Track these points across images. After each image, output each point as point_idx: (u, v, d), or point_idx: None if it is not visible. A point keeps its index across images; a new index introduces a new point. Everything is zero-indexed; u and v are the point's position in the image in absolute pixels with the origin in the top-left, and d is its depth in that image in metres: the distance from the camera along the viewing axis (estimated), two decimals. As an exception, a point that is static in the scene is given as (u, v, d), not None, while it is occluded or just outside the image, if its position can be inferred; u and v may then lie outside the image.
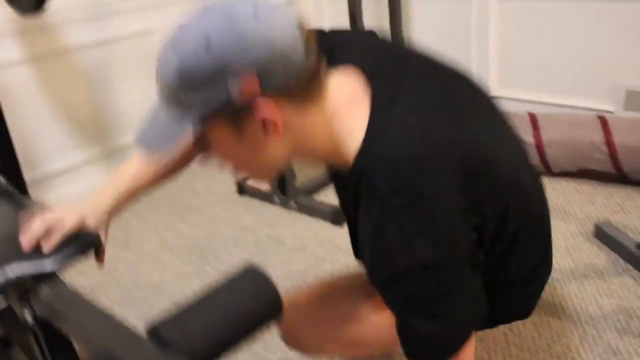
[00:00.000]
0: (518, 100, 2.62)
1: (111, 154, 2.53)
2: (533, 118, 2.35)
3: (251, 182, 2.42)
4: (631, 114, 2.34)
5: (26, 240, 0.94)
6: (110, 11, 2.38)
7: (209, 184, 2.55)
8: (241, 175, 0.92)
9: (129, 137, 2.58)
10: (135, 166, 1.09)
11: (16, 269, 0.92)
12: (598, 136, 2.20)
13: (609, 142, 2.17)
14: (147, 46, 2.54)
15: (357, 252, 1.12)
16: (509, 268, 0.97)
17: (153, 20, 2.53)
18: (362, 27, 2.57)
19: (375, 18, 2.98)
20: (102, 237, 1.02)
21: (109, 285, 1.89)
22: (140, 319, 1.72)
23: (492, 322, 1.05)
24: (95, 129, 2.46)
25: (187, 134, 0.79)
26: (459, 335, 0.86)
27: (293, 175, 2.28)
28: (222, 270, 1.91)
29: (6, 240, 0.98)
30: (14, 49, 2.15)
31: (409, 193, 0.79)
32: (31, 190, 2.15)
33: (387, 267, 0.82)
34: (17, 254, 0.94)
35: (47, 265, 0.93)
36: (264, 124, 0.79)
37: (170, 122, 0.80)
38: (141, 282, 1.90)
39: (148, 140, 0.83)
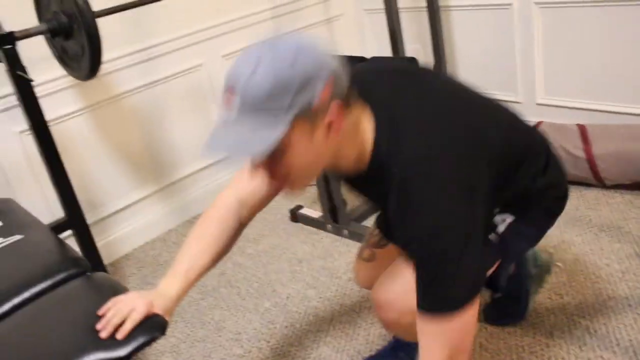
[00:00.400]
0: (566, 108, 2.58)
1: (167, 189, 2.65)
2: (583, 131, 2.32)
3: (304, 211, 2.49)
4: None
5: (105, 330, 1.04)
6: (155, 54, 2.49)
7: (263, 212, 2.63)
8: (290, 187, 1.04)
9: (183, 171, 2.69)
10: (199, 244, 1.20)
11: (92, 357, 1.01)
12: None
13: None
14: (192, 82, 2.64)
15: (387, 234, 1.45)
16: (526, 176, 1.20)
17: (195, 58, 2.63)
18: (402, 42, 2.58)
19: (416, 33, 2.99)
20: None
21: (175, 324, 2.00)
22: (206, 357, 1.82)
23: (551, 218, 1.31)
24: (151, 167, 2.58)
25: (277, 137, 0.90)
26: (468, 291, 1.01)
27: (344, 202, 2.33)
28: (279, 305, 1.99)
29: (83, 326, 1.08)
30: (70, 102, 2.28)
31: (421, 168, 0.98)
32: (94, 230, 2.28)
33: (413, 228, 0.99)
34: (93, 341, 1.04)
35: (120, 352, 1.02)
36: (329, 126, 0.95)
37: (257, 129, 0.90)
38: (205, 319, 2.00)
39: (234, 147, 0.92)
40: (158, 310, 1.08)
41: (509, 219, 1.23)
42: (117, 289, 1.21)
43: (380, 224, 1.54)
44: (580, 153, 2.27)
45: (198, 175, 2.73)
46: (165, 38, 2.51)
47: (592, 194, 2.27)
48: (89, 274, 1.30)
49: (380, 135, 1.02)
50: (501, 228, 1.23)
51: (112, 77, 2.37)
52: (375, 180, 1.04)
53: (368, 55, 2.41)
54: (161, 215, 2.63)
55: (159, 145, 2.58)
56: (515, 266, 1.64)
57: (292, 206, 2.54)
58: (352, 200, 2.50)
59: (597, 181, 2.28)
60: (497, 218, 1.23)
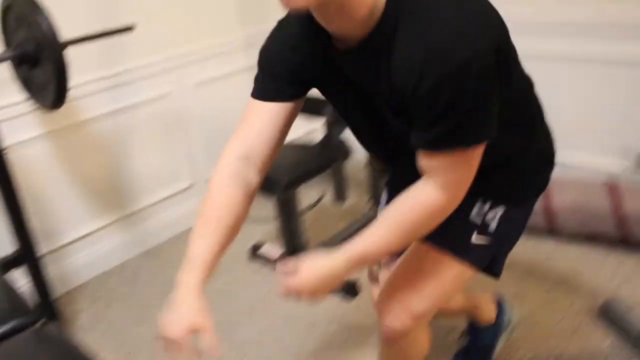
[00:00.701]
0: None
1: (127, 219, 2.60)
2: (542, 183, 2.38)
3: (264, 249, 2.47)
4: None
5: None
6: (124, 81, 2.44)
7: (224, 246, 2.60)
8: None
9: (144, 201, 2.64)
10: (207, 231, 1.12)
11: None
12: (608, 202, 2.22)
13: (619, 208, 2.18)
14: (161, 110, 2.61)
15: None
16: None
17: (166, 85, 2.59)
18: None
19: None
20: (204, 324, 1.01)
21: (126, 365, 1.95)
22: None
23: (540, 190, 1.30)
24: (111, 196, 2.53)
25: None
26: (485, 131, 0.98)
27: (305, 241, 2.33)
28: (235, 350, 1.96)
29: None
30: (31, 127, 2.21)
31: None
32: (48, 258, 2.23)
33: (443, 62, 0.89)
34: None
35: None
36: None
37: None
38: (158, 363, 1.96)
39: None
40: (189, 325, 1.01)
41: (499, 211, 1.24)
42: (67, 346, 1.18)
43: None
44: (539, 203, 2.32)
45: (159, 205, 2.69)
46: (134, 64, 2.47)
47: (548, 246, 2.32)
48: (39, 325, 1.25)
49: None
50: (493, 225, 1.24)
51: (78, 103, 2.32)
52: (384, 32, 0.95)
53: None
54: (119, 245, 2.57)
55: (121, 173, 2.54)
56: (496, 316, 1.69)
57: (254, 242, 2.52)
58: (314, 239, 2.50)
59: (554, 231, 2.33)
60: (489, 216, 1.24)
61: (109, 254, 2.54)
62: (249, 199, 1.16)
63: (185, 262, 1.08)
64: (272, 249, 2.45)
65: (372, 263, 1.13)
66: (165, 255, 2.60)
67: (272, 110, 1.14)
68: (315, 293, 1.12)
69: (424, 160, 1.04)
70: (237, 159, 1.15)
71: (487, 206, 1.24)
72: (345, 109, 1.22)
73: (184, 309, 1.02)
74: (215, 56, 2.76)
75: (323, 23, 0.99)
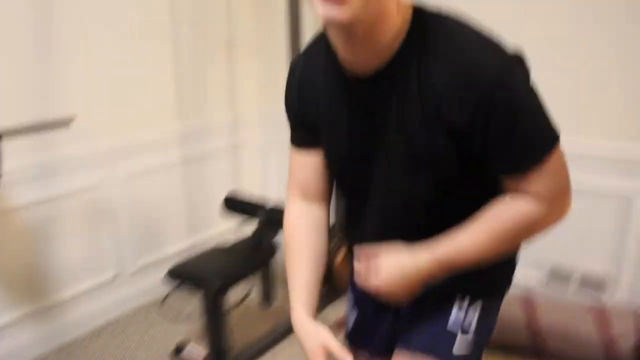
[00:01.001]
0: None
1: (44, 310, 2.48)
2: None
3: (187, 350, 2.42)
4: (555, 290, 2.49)
5: None
6: (55, 170, 2.40)
7: (145, 342, 2.52)
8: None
9: (60, 294, 2.53)
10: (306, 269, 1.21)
11: None
12: (523, 314, 2.32)
13: (533, 321, 2.29)
14: (90, 199, 2.56)
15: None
16: None
17: (96, 174, 2.56)
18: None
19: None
20: (329, 341, 1.11)
21: None
22: None
23: (509, 283, 1.27)
24: (29, 285, 2.41)
25: None
26: (554, 130, 1.00)
27: (230, 344, 2.29)
28: None
29: None
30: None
31: (462, 20, 0.99)
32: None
33: (485, 73, 0.93)
34: None
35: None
36: None
37: None
38: None
39: None
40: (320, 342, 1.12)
41: (478, 306, 1.20)
42: None
43: (354, 336, 1.44)
44: (459, 315, 2.40)
45: (80, 297, 2.58)
46: (64, 152, 2.42)
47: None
48: None
49: (420, 11, 1.00)
50: (474, 324, 1.20)
51: (5, 189, 2.24)
52: (409, 57, 0.98)
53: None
54: (31, 339, 2.43)
55: (42, 262, 2.44)
56: None
57: (177, 340, 2.46)
58: (240, 340, 2.46)
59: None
60: (470, 314, 1.20)
61: (20, 349, 2.39)
62: (323, 228, 1.26)
63: (291, 303, 1.19)
64: (196, 350, 2.40)
65: (459, 269, 1.06)
66: (81, 352, 2.48)
67: (307, 157, 1.21)
68: (394, 293, 1.09)
69: (517, 186, 1.02)
70: (298, 201, 1.25)
71: (465, 303, 1.20)
72: (341, 160, 1.18)
73: (311, 340, 1.13)
74: (149, 148, 2.76)
75: (344, 49, 1.01)
